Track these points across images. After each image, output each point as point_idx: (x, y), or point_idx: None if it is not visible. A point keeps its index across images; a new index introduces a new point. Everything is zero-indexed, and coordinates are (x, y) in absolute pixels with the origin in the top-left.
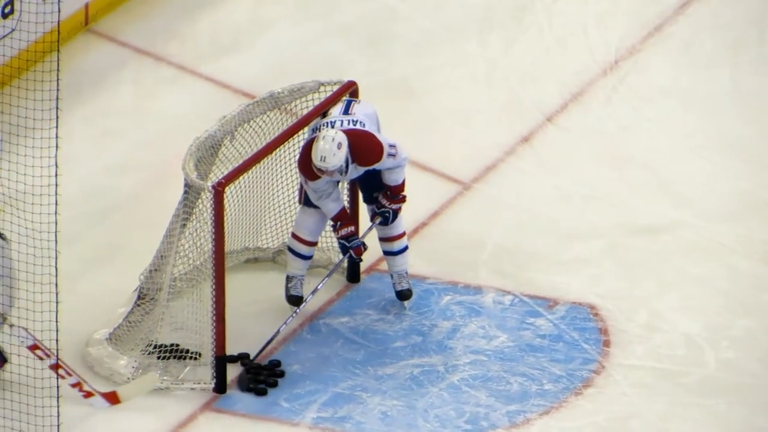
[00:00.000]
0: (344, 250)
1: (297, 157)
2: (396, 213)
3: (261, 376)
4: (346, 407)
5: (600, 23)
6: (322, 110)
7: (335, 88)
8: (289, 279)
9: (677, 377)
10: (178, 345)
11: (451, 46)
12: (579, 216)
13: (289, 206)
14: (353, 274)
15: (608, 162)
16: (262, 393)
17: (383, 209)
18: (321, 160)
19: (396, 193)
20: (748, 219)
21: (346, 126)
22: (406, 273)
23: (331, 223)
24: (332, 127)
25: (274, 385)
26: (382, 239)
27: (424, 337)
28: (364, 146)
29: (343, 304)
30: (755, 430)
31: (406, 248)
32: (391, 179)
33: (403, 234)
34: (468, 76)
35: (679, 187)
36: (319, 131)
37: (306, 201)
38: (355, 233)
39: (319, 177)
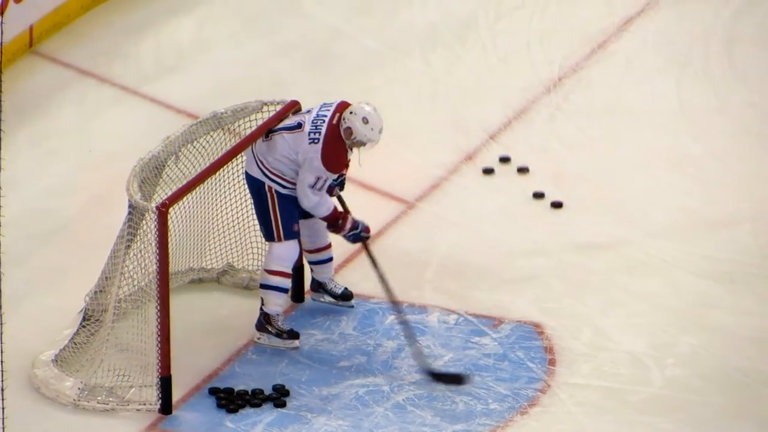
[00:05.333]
0: (355, 239)
1: (316, 155)
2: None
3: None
4: (291, 427)
5: (543, 41)
6: (265, 130)
7: (278, 107)
8: (272, 318)
9: (623, 395)
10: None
11: (395, 65)
12: (523, 234)
13: (234, 227)
14: (298, 294)
15: (552, 180)
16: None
17: (340, 177)
18: (380, 131)
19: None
20: (692, 236)
21: (330, 113)
22: None
23: (326, 225)
24: (324, 119)
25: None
26: (312, 251)
27: (368, 356)
28: None
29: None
30: None
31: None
32: None
33: (330, 243)
34: (411, 95)
35: (623, 205)
36: (346, 113)
37: (288, 233)
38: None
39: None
